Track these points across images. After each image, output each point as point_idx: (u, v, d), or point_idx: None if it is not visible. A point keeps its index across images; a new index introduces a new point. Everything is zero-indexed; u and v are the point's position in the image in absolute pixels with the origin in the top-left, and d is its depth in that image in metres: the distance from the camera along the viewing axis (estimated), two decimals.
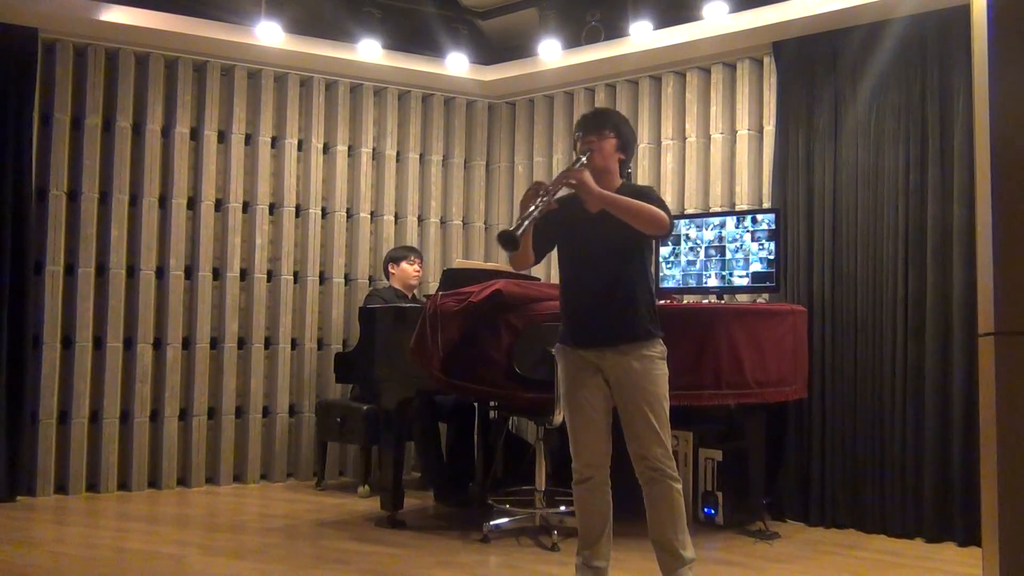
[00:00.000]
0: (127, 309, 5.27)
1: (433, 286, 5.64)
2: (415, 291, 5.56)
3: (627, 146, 3.23)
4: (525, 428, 5.62)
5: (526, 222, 2.90)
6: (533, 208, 2.93)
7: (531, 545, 4.12)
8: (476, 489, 5.03)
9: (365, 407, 5.22)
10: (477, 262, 5.93)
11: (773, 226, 4.59)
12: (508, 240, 2.87)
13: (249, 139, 5.65)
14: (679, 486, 3.07)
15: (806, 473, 4.63)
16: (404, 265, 5.50)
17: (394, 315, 4.47)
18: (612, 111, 3.43)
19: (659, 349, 3.11)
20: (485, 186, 6.39)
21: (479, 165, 6.35)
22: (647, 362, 3.06)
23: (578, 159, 3.12)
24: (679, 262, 4.87)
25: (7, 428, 4.80)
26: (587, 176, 3.02)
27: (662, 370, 3.10)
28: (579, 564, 3.20)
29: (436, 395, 4.93)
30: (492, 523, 4.20)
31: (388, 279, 5.57)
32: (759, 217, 4.65)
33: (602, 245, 3.09)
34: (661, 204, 3.08)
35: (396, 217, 6.09)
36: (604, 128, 3.18)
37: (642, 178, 5.50)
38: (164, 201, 5.40)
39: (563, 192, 3.07)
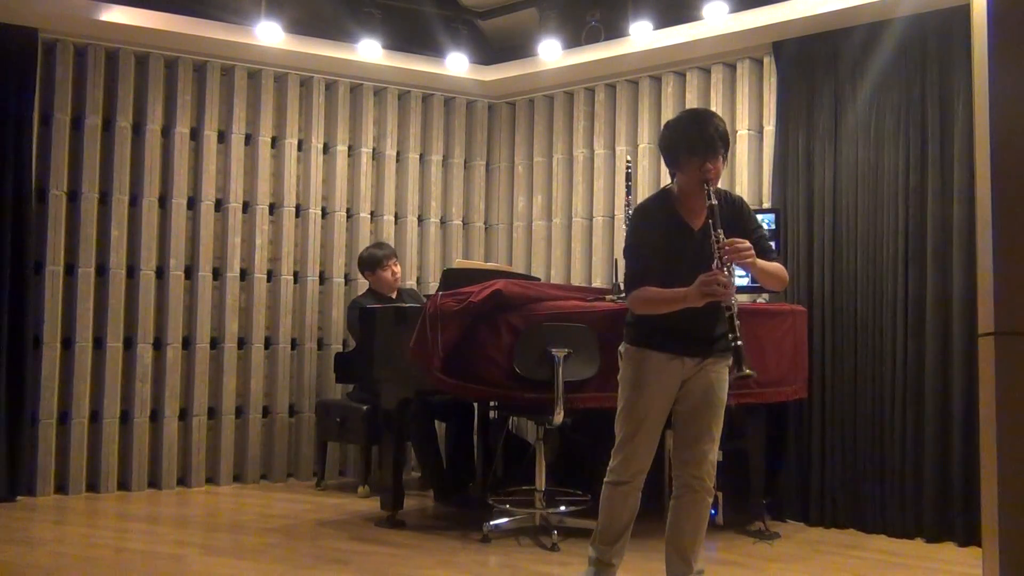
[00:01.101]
0: (127, 309, 5.27)
1: (433, 286, 5.64)
2: (411, 290, 5.54)
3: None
4: (525, 428, 5.62)
5: (738, 342, 2.81)
6: (734, 314, 2.83)
7: (531, 545, 4.12)
8: (476, 489, 5.03)
9: (365, 407, 5.22)
10: (477, 262, 5.93)
11: (773, 226, 4.59)
12: (748, 377, 2.82)
13: (249, 139, 5.65)
14: (711, 499, 3.06)
15: (806, 473, 4.63)
16: (380, 273, 5.40)
17: (394, 315, 4.47)
18: (718, 120, 3.00)
19: (731, 360, 3.03)
20: (485, 186, 6.39)
21: (479, 165, 6.35)
22: (724, 370, 3.06)
23: (709, 200, 2.88)
24: None
25: (7, 428, 4.80)
26: (752, 256, 2.86)
27: (727, 378, 3.08)
28: (593, 558, 3.16)
29: (431, 395, 4.92)
30: (492, 523, 4.20)
31: (370, 283, 5.51)
32: (759, 217, 4.63)
33: (705, 264, 2.91)
34: (762, 227, 3.07)
35: (396, 217, 6.08)
36: (722, 149, 2.94)
37: (642, 178, 5.50)
38: (164, 201, 5.40)
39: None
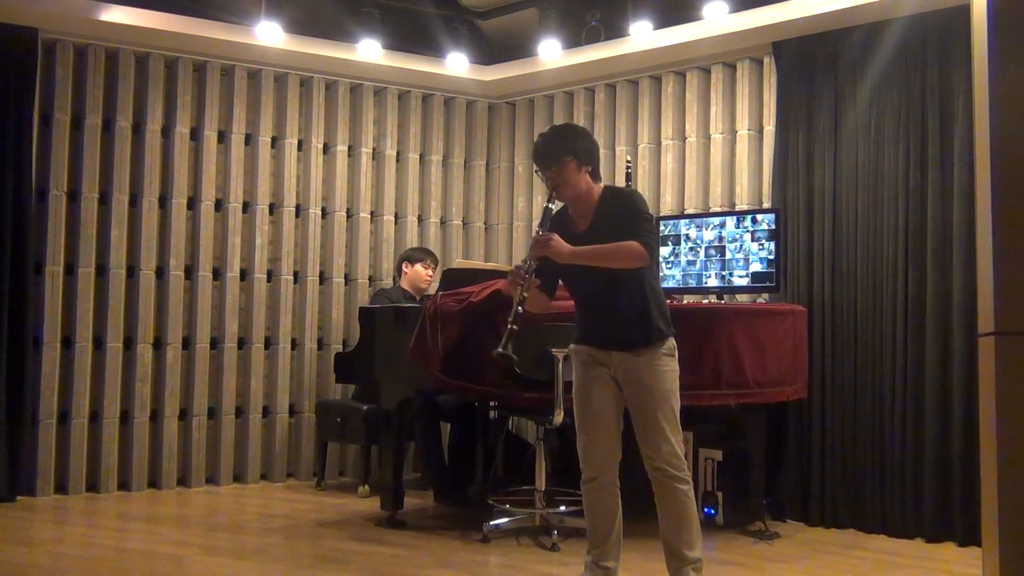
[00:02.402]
0: (127, 309, 5.27)
1: (433, 286, 5.64)
2: (422, 294, 5.55)
3: (589, 157, 3.21)
4: (525, 428, 5.62)
5: (513, 327, 3.04)
6: (518, 303, 3.05)
7: (531, 545, 4.12)
8: (476, 489, 5.03)
9: (365, 407, 5.22)
10: (477, 262, 5.93)
11: (773, 226, 4.59)
12: (506, 359, 3.04)
13: (249, 139, 5.65)
14: (685, 487, 3.06)
15: (806, 473, 4.63)
16: (419, 267, 5.46)
17: (394, 315, 4.47)
18: (559, 131, 3.32)
19: (668, 345, 3.13)
20: (485, 186, 6.39)
21: (479, 165, 6.35)
22: (654, 358, 3.09)
23: (548, 202, 3.19)
24: (679, 262, 4.87)
25: (7, 428, 4.80)
26: (555, 245, 3.06)
27: (670, 367, 3.12)
28: (588, 563, 3.22)
29: (439, 395, 4.93)
30: (492, 523, 4.20)
31: (399, 277, 5.56)
32: (759, 217, 4.65)
33: (598, 271, 3.09)
34: (643, 222, 3.10)
35: (396, 217, 6.08)
36: (559, 156, 3.16)
37: (642, 178, 5.50)
38: (164, 201, 5.40)
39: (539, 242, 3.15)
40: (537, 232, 3.13)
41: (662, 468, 3.05)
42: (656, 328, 3.11)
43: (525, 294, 3.05)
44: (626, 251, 3.02)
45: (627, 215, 3.11)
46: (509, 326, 3.03)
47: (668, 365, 3.12)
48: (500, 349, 3.03)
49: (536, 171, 3.26)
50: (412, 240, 6.04)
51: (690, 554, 3.06)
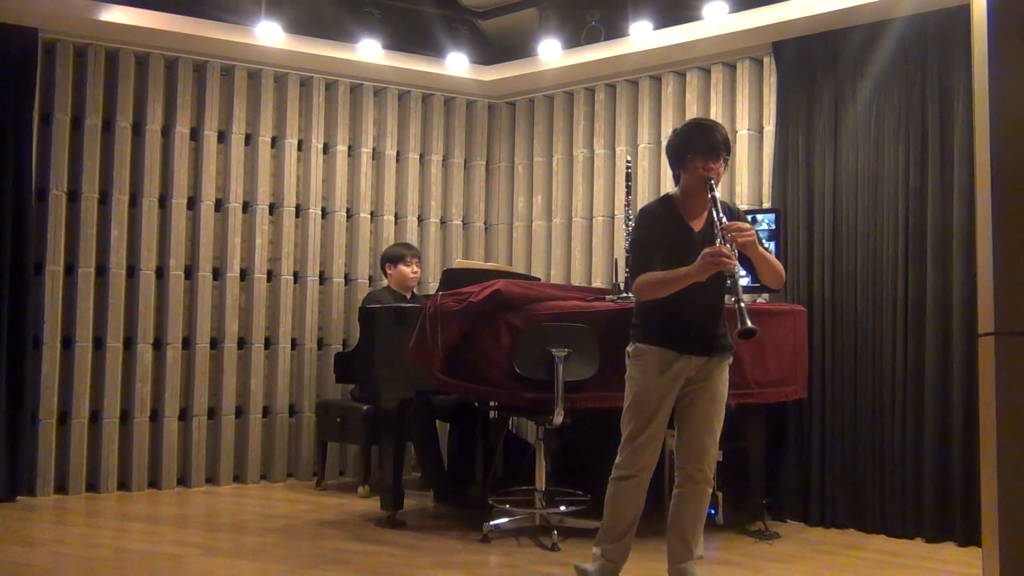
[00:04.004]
0: (127, 309, 5.27)
1: (433, 286, 5.64)
2: (414, 291, 5.55)
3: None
4: (525, 428, 5.62)
5: (743, 304, 2.88)
6: (733, 278, 2.90)
7: (531, 545, 4.12)
8: (476, 489, 5.03)
9: (365, 407, 5.22)
10: (477, 262, 5.93)
11: (773, 226, 4.59)
12: (751, 333, 2.86)
13: (249, 139, 5.65)
14: (711, 490, 3.25)
15: (806, 473, 4.63)
16: (401, 267, 5.44)
17: (394, 315, 4.47)
18: (722, 128, 3.22)
19: (731, 358, 3.28)
20: (485, 186, 6.38)
21: (479, 165, 6.35)
22: (727, 368, 3.25)
23: (713, 191, 3.04)
24: None
25: (7, 428, 4.80)
26: (753, 235, 3.00)
27: (727, 375, 3.27)
28: (596, 555, 3.25)
29: (435, 395, 4.92)
30: (492, 523, 4.20)
31: (385, 278, 5.56)
32: (759, 217, 4.65)
33: (718, 276, 3.06)
34: (762, 244, 3.21)
35: (396, 217, 6.09)
36: (724, 153, 3.13)
37: (642, 178, 5.50)
38: (164, 201, 5.40)
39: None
40: (721, 220, 2.97)
41: (704, 470, 3.18)
42: (731, 343, 3.25)
43: (737, 270, 2.91)
44: (781, 271, 3.19)
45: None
46: (739, 304, 2.86)
47: (727, 373, 3.26)
48: (744, 326, 2.85)
49: (708, 156, 3.08)
50: (412, 240, 6.03)
51: (697, 550, 3.25)
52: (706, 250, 2.94)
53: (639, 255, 3.17)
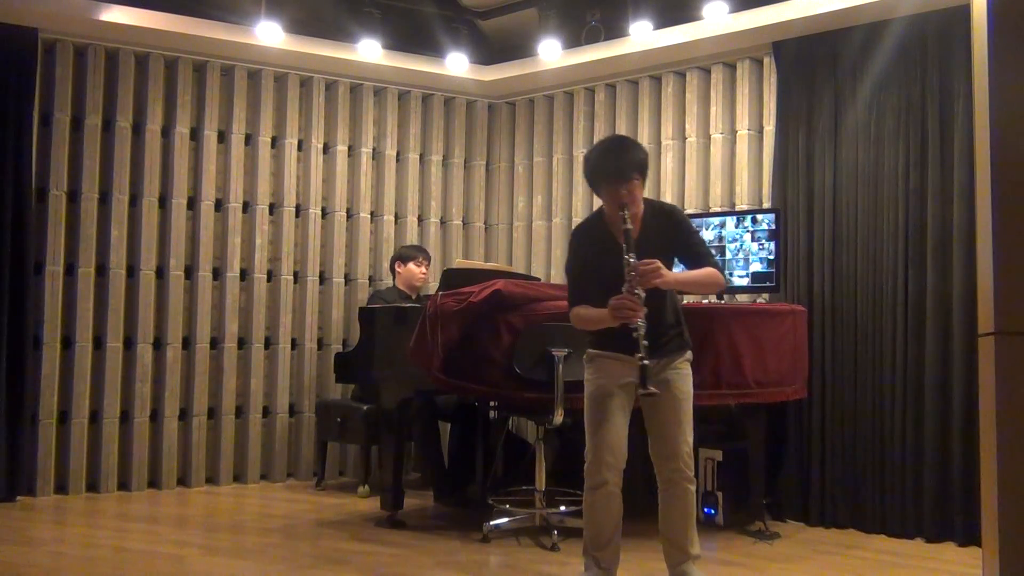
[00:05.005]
0: (127, 309, 5.27)
1: (433, 286, 5.64)
2: (419, 292, 5.55)
3: (647, 172, 3.22)
4: (525, 428, 5.62)
5: (646, 362, 2.93)
6: (641, 334, 2.95)
7: (531, 545, 4.12)
8: (476, 489, 5.03)
9: (365, 407, 5.22)
10: (477, 262, 5.93)
11: (773, 226, 4.59)
12: (652, 396, 2.97)
13: (249, 139, 5.65)
14: (693, 487, 3.20)
15: (806, 473, 4.63)
16: (411, 266, 5.47)
17: (394, 315, 4.47)
18: (629, 148, 3.18)
19: (689, 355, 3.28)
20: (485, 186, 6.39)
21: (479, 165, 6.35)
22: (683, 365, 3.23)
23: (626, 225, 3.04)
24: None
25: (7, 428, 4.80)
26: (664, 272, 3.01)
27: (689, 371, 3.26)
28: (587, 562, 3.24)
29: (437, 395, 4.93)
30: (492, 523, 4.20)
31: (393, 277, 5.56)
32: (759, 217, 4.65)
33: (655, 289, 3.09)
34: (699, 237, 3.26)
35: (396, 217, 6.09)
36: (633, 175, 3.09)
37: None
38: (164, 201, 5.40)
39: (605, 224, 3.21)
40: (628, 258, 2.99)
41: (681, 469, 3.16)
42: (687, 340, 3.29)
43: (641, 322, 2.95)
44: (714, 281, 3.17)
45: (680, 232, 3.21)
46: (642, 362, 2.93)
47: (688, 370, 3.25)
48: (645, 390, 2.94)
49: (618, 182, 3.07)
50: (412, 240, 6.04)
51: (692, 550, 3.20)
52: (612, 301, 2.99)
53: (571, 287, 3.28)
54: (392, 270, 5.57)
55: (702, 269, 3.17)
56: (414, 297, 5.45)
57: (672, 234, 3.21)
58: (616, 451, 3.16)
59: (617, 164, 3.10)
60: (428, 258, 5.60)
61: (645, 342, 2.95)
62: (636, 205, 3.14)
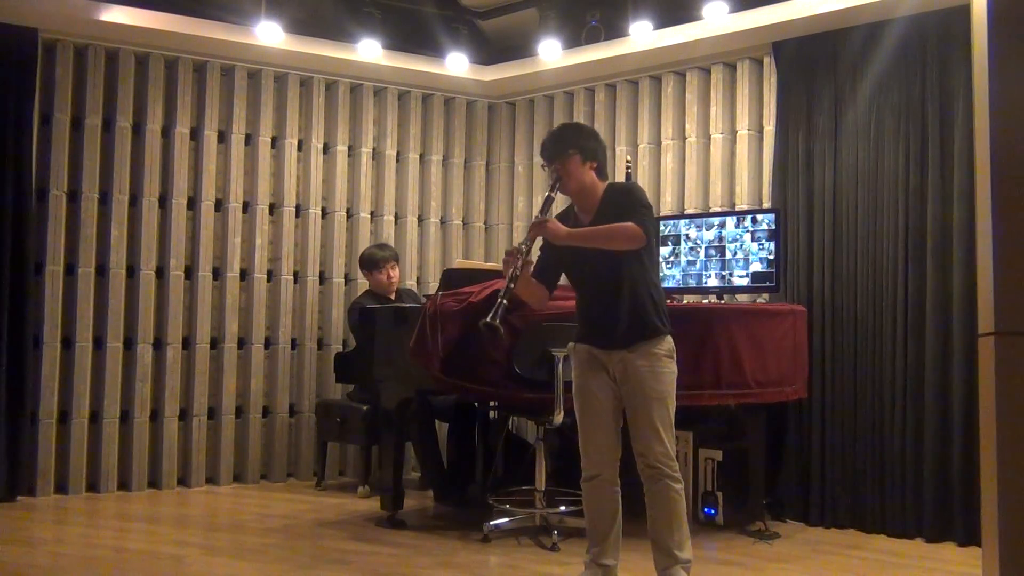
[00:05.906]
0: (127, 309, 5.27)
1: (433, 286, 5.64)
2: (399, 291, 5.53)
3: (594, 154, 3.28)
4: (525, 428, 5.62)
5: (503, 301, 3.07)
6: (510, 279, 3.09)
7: (531, 545, 4.12)
8: (476, 489, 5.03)
9: (365, 407, 5.22)
10: (477, 262, 5.93)
11: (773, 226, 4.59)
12: (491, 330, 3.06)
13: (249, 139, 5.65)
14: (678, 486, 3.11)
15: (806, 473, 4.63)
16: (376, 275, 5.41)
17: (394, 315, 4.47)
18: (566, 128, 3.46)
19: (666, 347, 3.17)
20: (485, 186, 6.39)
21: (479, 165, 6.35)
22: (653, 359, 3.12)
23: (550, 191, 3.25)
24: (679, 262, 4.87)
25: (7, 428, 4.80)
26: (551, 226, 3.13)
27: (668, 368, 3.15)
28: (588, 561, 3.25)
29: (433, 395, 4.92)
30: (492, 523, 4.20)
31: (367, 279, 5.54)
32: (759, 217, 4.65)
33: (598, 260, 3.16)
34: (641, 208, 3.16)
35: (396, 217, 6.09)
36: (564, 151, 3.24)
37: (642, 179, 5.50)
38: (164, 201, 5.40)
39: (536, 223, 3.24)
40: (536, 216, 3.20)
41: (655, 467, 3.09)
42: (652, 324, 3.14)
43: (518, 272, 3.09)
44: (622, 231, 3.08)
45: (626, 204, 3.18)
46: (500, 300, 3.07)
47: (667, 367, 3.15)
48: (487, 319, 3.05)
49: (543, 166, 3.34)
50: (412, 240, 6.04)
51: (679, 554, 3.09)
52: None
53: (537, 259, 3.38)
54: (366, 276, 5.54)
55: (612, 224, 3.13)
56: (392, 297, 5.43)
57: (621, 207, 3.18)
58: (602, 444, 3.18)
59: (548, 143, 3.31)
60: (392, 257, 5.48)
61: (512, 285, 3.07)
62: (572, 180, 3.24)
